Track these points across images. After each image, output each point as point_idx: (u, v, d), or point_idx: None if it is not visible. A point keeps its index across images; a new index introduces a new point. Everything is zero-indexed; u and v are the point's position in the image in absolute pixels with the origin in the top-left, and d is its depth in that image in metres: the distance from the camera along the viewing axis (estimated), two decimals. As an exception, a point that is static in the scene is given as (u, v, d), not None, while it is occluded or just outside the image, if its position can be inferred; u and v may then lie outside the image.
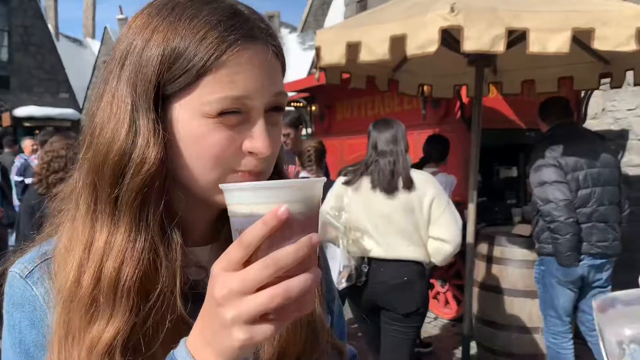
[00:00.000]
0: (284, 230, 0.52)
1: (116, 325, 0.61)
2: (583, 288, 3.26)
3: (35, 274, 0.68)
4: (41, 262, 0.69)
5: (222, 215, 0.71)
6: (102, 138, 0.64)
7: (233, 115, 0.63)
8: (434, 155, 4.35)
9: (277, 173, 0.75)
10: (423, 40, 2.59)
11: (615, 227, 3.22)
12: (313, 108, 7.60)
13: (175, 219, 0.66)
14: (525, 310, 3.78)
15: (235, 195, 0.55)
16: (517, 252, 3.82)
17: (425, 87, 4.83)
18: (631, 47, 2.50)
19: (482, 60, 3.58)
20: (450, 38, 3.11)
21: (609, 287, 3.27)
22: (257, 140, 0.64)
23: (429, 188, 2.77)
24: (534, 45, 2.50)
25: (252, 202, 0.53)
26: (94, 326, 0.62)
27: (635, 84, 3.91)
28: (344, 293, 2.90)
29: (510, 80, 4.66)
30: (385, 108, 5.93)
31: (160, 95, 0.64)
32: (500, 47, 2.50)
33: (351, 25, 3.26)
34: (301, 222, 0.53)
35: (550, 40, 2.48)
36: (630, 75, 3.91)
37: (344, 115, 6.80)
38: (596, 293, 3.26)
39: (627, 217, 3.37)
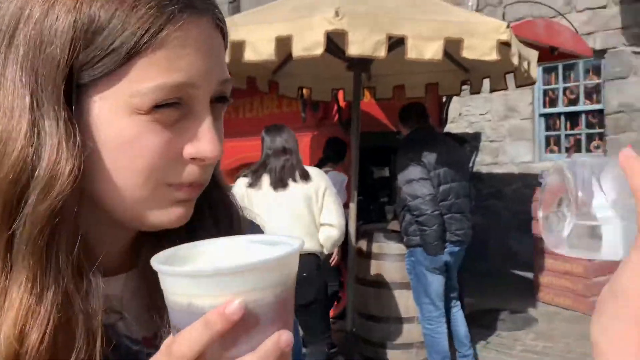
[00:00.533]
0: (238, 329, 0.37)
1: None
2: (447, 273, 3.65)
3: None
4: None
5: (140, 235, 0.56)
6: None
7: (171, 109, 0.48)
8: (332, 156, 4.57)
9: (215, 184, 0.58)
10: (309, 43, 2.63)
11: (469, 217, 3.66)
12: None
13: (90, 252, 0.49)
14: (402, 301, 4.01)
15: (168, 281, 0.40)
16: (393, 247, 4.03)
17: (304, 90, 4.92)
18: (493, 57, 2.78)
19: (361, 65, 3.74)
20: (330, 42, 3.21)
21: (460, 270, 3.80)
22: (203, 141, 0.49)
23: (321, 180, 3.10)
24: (412, 51, 2.67)
25: (191, 293, 0.38)
26: None
27: (491, 91, 4.36)
28: None
29: (383, 86, 4.92)
30: (264, 110, 5.92)
31: (74, 85, 0.46)
32: (381, 52, 2.63)
33: (235, 24, 3.20)
34: (267, 313, 0.39)
35: (426, 48, 2.67)
36: (486, 82, 4.35)
37: (220, 116, 6.66)
38: (453, 275, 3.72)
39: (474, 209, 3.85)
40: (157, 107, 0.47)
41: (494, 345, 4.54)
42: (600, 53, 6.31)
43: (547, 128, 7.16)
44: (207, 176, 0.53)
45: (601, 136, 6.58)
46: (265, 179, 3.00)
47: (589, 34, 6.28)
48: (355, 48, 2.62)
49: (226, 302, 0.37)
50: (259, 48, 2.86)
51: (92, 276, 0.48)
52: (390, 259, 4.05)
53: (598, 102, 6.61)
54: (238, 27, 3.04)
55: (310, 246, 3.02)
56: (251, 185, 3.00)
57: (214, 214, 0.60)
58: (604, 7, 6.29)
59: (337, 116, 5.17)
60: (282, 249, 0.41)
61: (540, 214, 0.49)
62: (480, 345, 4.48)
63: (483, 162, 7.54)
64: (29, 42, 0.45)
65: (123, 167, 0.48)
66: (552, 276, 5.49)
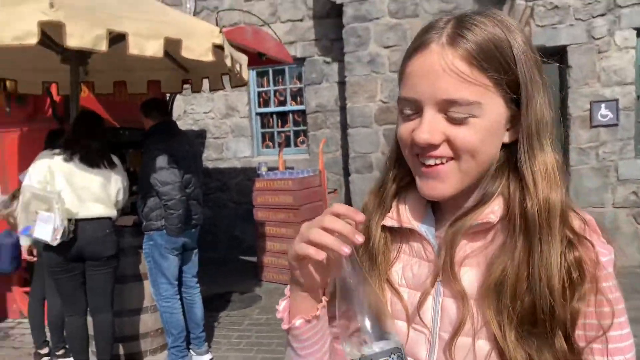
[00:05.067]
0: None
1: None
2: (183, 253, 3.96)
3: None
4: None
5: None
6: None
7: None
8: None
9: None
10: (21, 32, 2.49)
11: (202, 203, 4.10)
12: None
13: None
14: (133, 293, 4.06)
15: None
16: (125, 242, 4.02)
17: (7, 82, 4.46)
18: (209, 58, 3.08)
19: (78, 59, 3.63)
20: (42, 34, 3.05)
21: (197, 250, 4.14)
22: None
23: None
24: (133, 48, 2.77)
25: None
26: None
27: (211, 90, 4.71)
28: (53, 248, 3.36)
29: (102, 81, 4.81)
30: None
31: None
32: (103, 47, 2.66)
33: None
34: None
35: (146, 45, 2.80)
36: (206, 82, 4.68)
37: None
38: (191, 255, 4.06)
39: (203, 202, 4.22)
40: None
41: (225, 325, 4.94)
42: (300, 60, 7.36)
43: (263, 126, 8.00)
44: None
45: (305, 133, 7.69)
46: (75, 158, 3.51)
47: (291, 43, 7.25)
48: (74, 41, 2.58)
49: None
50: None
51: None
52: (123, 255, 4.02)
53: (301, 103, 7.70)
54: None
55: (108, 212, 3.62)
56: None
57: None
58: (302, 20, 7.34)
59: (50, 110, 4.84)
60: None
61: None
62: (212, 326, 4.82)
63: (209, 158, 7.96)
64: None
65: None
66: (272, 257, 6.19)
